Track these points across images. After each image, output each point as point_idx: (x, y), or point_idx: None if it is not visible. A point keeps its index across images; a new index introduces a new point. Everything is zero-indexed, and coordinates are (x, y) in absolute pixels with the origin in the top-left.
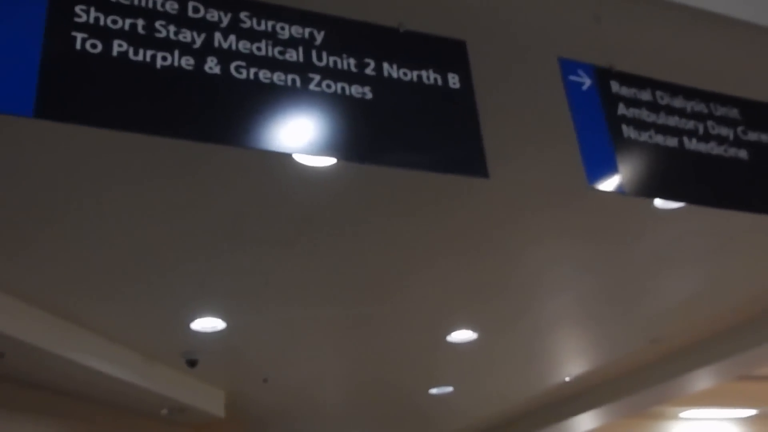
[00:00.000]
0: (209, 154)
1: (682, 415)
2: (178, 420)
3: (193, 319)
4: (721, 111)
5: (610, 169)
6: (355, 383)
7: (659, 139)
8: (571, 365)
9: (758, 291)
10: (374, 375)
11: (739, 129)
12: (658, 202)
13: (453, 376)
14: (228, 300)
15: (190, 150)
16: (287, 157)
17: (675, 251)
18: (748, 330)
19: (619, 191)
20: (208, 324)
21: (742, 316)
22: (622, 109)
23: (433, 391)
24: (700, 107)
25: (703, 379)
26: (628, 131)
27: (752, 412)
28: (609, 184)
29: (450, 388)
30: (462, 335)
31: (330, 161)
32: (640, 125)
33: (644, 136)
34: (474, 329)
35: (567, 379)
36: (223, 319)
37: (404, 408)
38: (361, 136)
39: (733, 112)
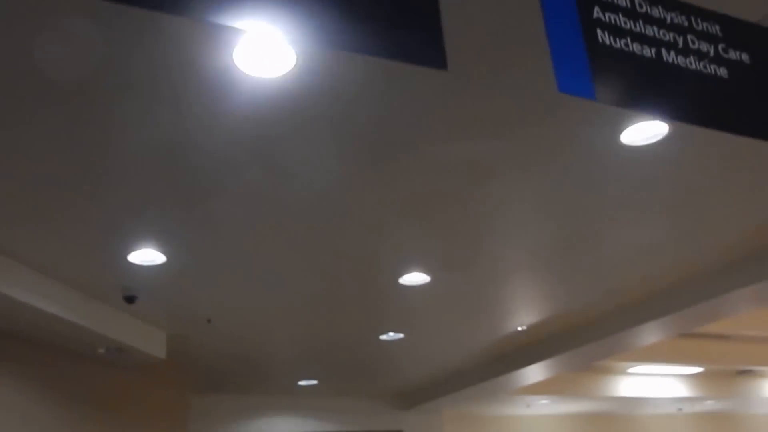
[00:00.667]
0: (150, 70)
1: (631, 370)
2: (117, 360)
3: (130, 251)
4: (702, 26)
5: (582, 74)
6: (304, 327)
7: (636, 48)
8: (525, 314)
9: (716, 244)
10: (324, 319)
11: (720, 46)
12: (626, 139)
13: (404, 322)
14: (168, 232)
15: (133, 69)
16: (233, 69)
17: (638, 196)
18: (701, 284)
19: (590, 98)
20: (146, 257)
21: (696, 269)
22: (597, 13)
23: (384, 337)
24: (681, 20)
25: (653, 333)
26: (603, 37)
27: (698, 369)
28: (580, 89)
29: (401, 335)
30: (415, 278)
31: (278, 73)
32: (617, 32)
33: (620, 44)
34: (427, 272)
35: (520, 328)
36: (163, 252)
37: (355, 355)
38: (306, 16)
39: (715, 29)
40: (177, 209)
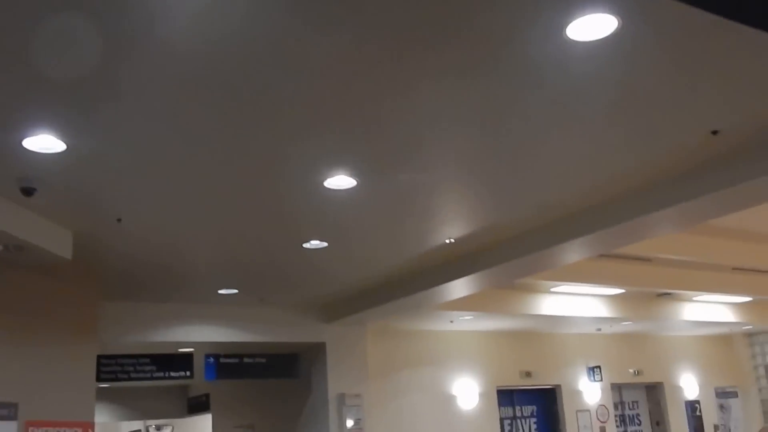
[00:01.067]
0: None
1: (554, 289)
2: (18, 260)
3: (25, 136)
4: None
5: None
6: (223, 231)
7: None
8: (454, 226)
9: (645, 162)
10: (245, 224)
11: None
12: (571, 34)
13: (329, 230)
14: (66, 116)
15: None
16: None
17: (577, 102)
18: (624, 203)
19: None
20: (44, 144)
21: (621, 188)
22: None
23: (307, 245)
24: None
25: (577, 251)
26: None
27: (619, 291)
28: None
29: (325, 244)
30: (340, 182)
31: None
32: None
33: None
34: (353, 176)
35: (448, 240)
36: (62, 139)
37: (277, 264)
38: None
39: None
40: (76, 89)
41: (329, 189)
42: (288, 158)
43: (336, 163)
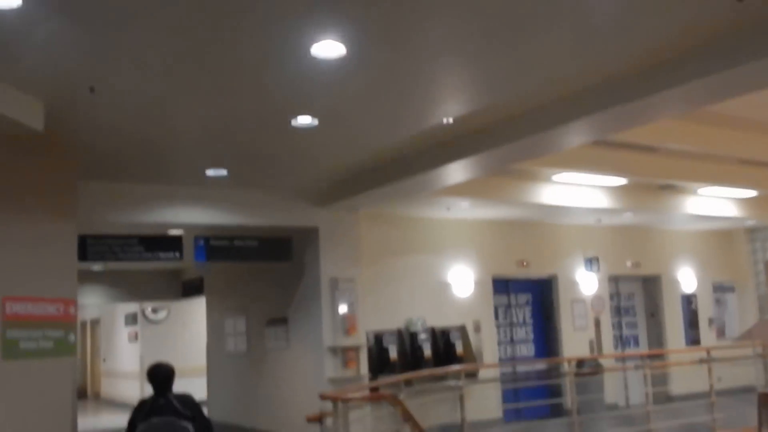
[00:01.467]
0: None
1: (555, 177)
2: None
3: None
4: None
5: None
6: (206, 102)
7: None
8: (451, 104)
9: (662, 33)
10: (229, 92)
11: None
12: None
13: (319, 106)
14: None
15: None
16: None
17: None
18: (629, 83)
19: None
20: None
21: (625, 66)
22: None
23: (296, 123)
24: None
25: (579, 133)
26: None
27: (622, 181)
28: None
29: (315, 122)
30: (328, 48)
31: None
32: None
33: None
34: (343, 41)
35: (445, 120)
36: None
37: (266, 143)
38: None
39: None
40: None
41: (317, 58)
42: (272, 19)
43: (323, 24)
